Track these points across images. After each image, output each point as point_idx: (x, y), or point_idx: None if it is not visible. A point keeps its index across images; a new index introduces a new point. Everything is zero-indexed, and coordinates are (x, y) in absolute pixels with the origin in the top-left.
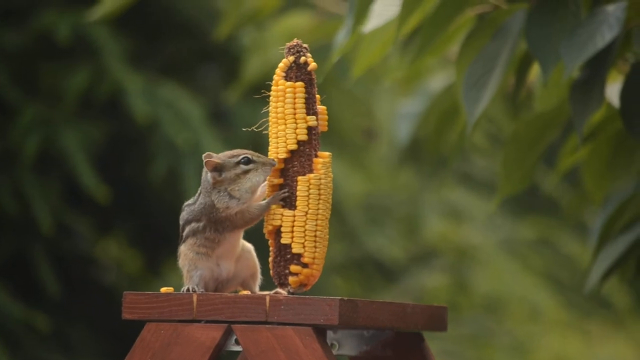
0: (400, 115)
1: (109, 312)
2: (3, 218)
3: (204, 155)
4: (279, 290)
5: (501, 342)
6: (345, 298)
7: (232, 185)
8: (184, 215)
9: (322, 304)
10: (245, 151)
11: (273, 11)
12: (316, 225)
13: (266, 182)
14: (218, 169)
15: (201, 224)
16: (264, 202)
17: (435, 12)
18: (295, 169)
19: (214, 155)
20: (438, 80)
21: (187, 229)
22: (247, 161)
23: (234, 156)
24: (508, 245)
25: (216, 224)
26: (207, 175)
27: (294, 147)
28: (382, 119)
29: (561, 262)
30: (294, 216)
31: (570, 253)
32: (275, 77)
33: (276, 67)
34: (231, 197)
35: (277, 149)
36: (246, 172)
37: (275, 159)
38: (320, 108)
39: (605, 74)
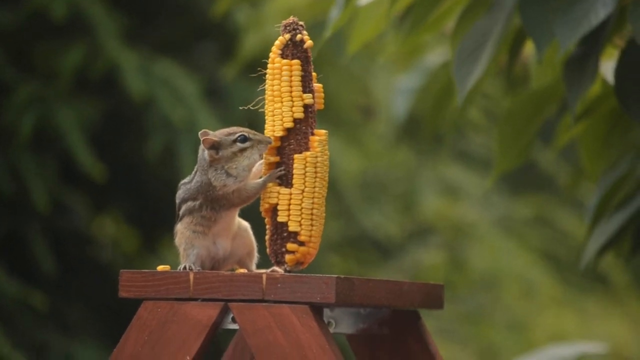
0: (397, 90)
1: (105, 291)
2: None
3: (200, 133)
4: (275, 268)
5: (497, 319)
6: (342, 276)
7: (229, 164)
8: (180, 194)
9: (319, 282)
10: (242, 129)
11: None
12: (312, 203)
13: (262, 160)
14: (215, 146)
15: (197, 202)
16: (260, 180)
17: None
18: (291, 146)
19: (211, 132)
20: (436, 56)
21: (183, 208)
22: (244, 139)
23: (230, 134)
24: (504, 222)
25: (213, 202)
26: (203, 153)
27: (290, 125)
28: (379, 95)
29: (557, 240)
30: (291, 194)
31: (567, 230)
32: (271, 55)
33: (273, 44)
34: (228, 175)
35: (274, 127)
36: (243, 150)
37: (272, 137)
38: (317, 86)
39: (599, 51)
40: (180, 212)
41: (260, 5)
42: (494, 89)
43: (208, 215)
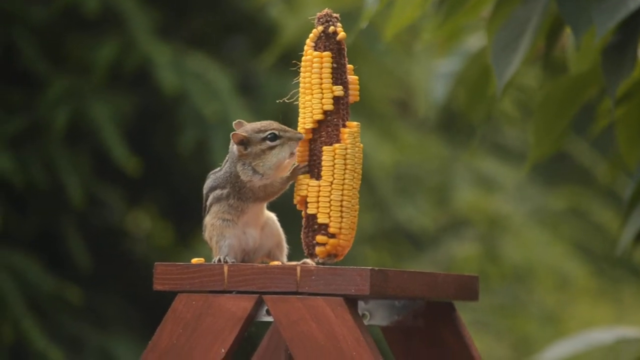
0: (437, 74)
1: (140, 284)
2: (33, 191)
3: (234, 123)
4: (306, 260)
5: (532, 311)
6: (376, 268)
7: (257, 161)
8: (208, 183)
9: (353, 274)
10: (273, 125)
11: None
12: (342, 195)
13: (295, 154)
14: (244, 142)
15: (225, 191)
16: (285, 176)
17: None
18: (322, 139)
19: (243, 123)
20: (476, 39)
21: (210, 197)
22: (274, 137)
23: (260, 131)
24: (539, 214)
25: (240, 193)
26: (233, 146)
27: (320, 117)
28: (418, 80)
29: (592, 232)
30: (319, 186)
31: (602, 222)
32: (305, 47)
33: (311, 30)
34: (255, 171)
35: (304, 119)
36: (272, 147)
37: (302, 130)
38: (352, 78)
39: (637, 37)
40: (208, 202)
41: None
42: (529, 80)
43: (235, 204)
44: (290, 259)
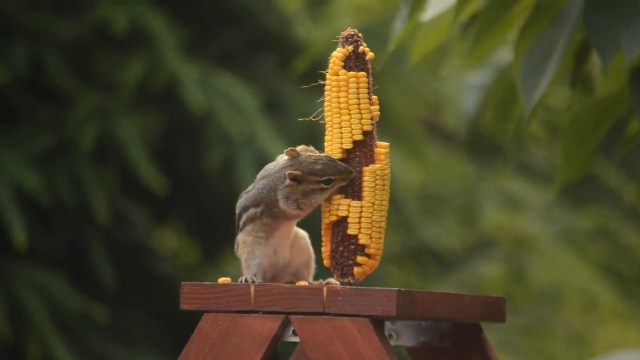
0: (467, 87)
1: (166, 303)
2: (60, 208)
3: (286, 151)
4: (330, 280)
5: (559, 332)
6: (403, 289)
7: (304, 199)
8: (241, 203)
9: (380, 295)
10: (329, 168)
11: None
12: (382, 216)
13: None
14: (298, 180)
15: (259, 210)
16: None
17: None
18: (358, 159)
19: (296, 151)
20: (506, 53)
21: (244, 217)
22: (328, 182)
23: (317, 174)
24: (566, 235)
25: (272, 212)
26: (281, 172)
27: (359, 137)
28: (448, 93)
29: (620, 253)
30: (362, 207)
31: (630, 244)
32: (333, 66)
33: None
34: (298, 206)
35: (342, 140)
36: (323, 190)
37: (340, 151)
38: (373, 97)
39: None
40: (241, 222)
41: (324, 5)
42: (556, 100)
43: (269, 223)
44: (315, 278)
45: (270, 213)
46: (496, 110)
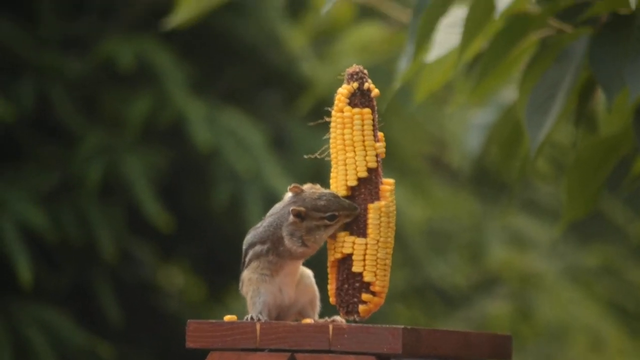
0: (471, 125)
1: (172, 341)
2: (65, 246)
3: (290, 187)
4: (336, 318)
5: None
6: (409, 327)
7: (309, 236)
8: (248, 239)
9: (385, 333)
10: (332, 204)
11: (347, 22)
12: (386, 253)
13: None
14: (302, 216)
15: (265, 247)
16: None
17: (497, 38)
18: (362, 196)
19: (299, 188)
20: (510, 92)
21: (250, 253)
22: (332, 218)
23: (320, 210)
24: (572, 272)
25: (278, 250)
26: (286, 211)
27: (364, 174)
28: (453, 132)
29: (626, 290)
30: (366, 244)
31: (636, 281)
32: (338, 103)
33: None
34: (303, 243)
35: (347, 177)
36: (327, 226)
37: (344, 188)
38: (379, 134)
39: None
40: (247, 258)
41: (328, 43)
42: (561, 137)
43: (274, 260)
44: (320, 316)
45: (276, 251)
46: (501, 148)
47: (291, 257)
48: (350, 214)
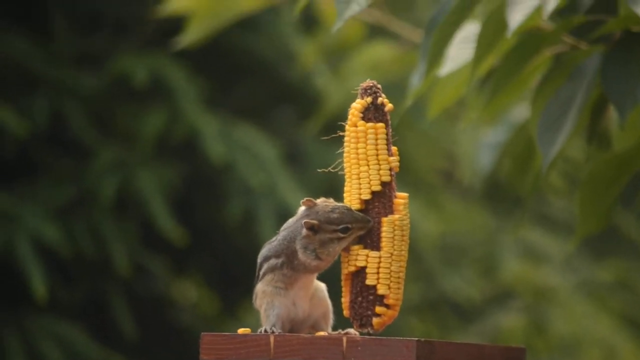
0: (483, 144)
1: (186, 354)
2: (80, 260)
3: (303, 201)
4: (349, 330)
5: None
6: (422, 339)
7: (322, 249)
8: (263, 252)
9: (399, 345)
10: (345, 216)
11: (357, 41)
12: (400, 267)
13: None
14: (315, 229)
15: (280, 261)
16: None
17: (510, 54)
18: (376, 210)
19: (312, 202)
20: (522, 110)
21: (265, 266)
22: (345, 230)
23: (333, 222)
24: (586, 287)
25: (293, 264)
26: (299, 223)
27: (377, 188)
28: (464, 150)
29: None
30: (380, 257)
31: None
32: (352, 117)
33: (356, 99)
34: (317, 257)
35: (360, 191)
36: (340, 239)
37: (358, 201)
38: (392, 148)
39: None
40: (262, 271)
41: (341, 60)
42: (574, 151)
43: (289, 274)
44: (334, 329)
45: (290, 264)
46: (514, 163)
47: (305, 271)
48: (363, 226)
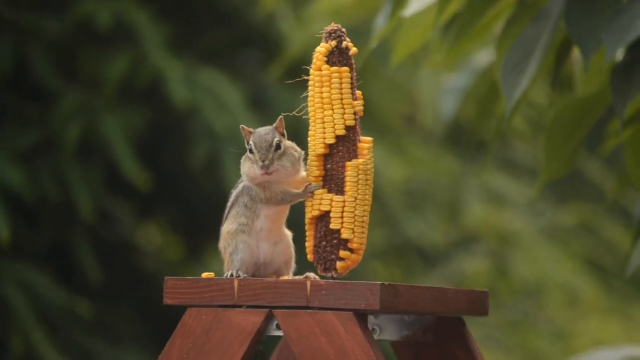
0: (445, 90)
1: (150, 298)
2: (44, 205)
3: (241, 126)
4: (309, 274)
5: (542, 327)
6: (387, 283)
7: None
8: (231, 192)
9: (363, 289)
10: (265, 133)
11: None
12: (364, 210)
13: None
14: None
15: (241, 193)
16: (294, 190)
17: None
18: (340, 154)
19: (245, 129)
20: (485, 55)
21: (232, 197)
22: (250, 151)
23: (249, 140)
24: (549, 230)
25: (250, 192)
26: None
27: (342, 132)
28: (426, 95)
29: (603, 248)
30: (344, 201)
31: (612, 239)
32: (316, 61)
33: (317, 45)
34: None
35: (325, 135)
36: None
37: (322, 145)
38: (357, 92)
39: None
40: (229, 203)
41: (304, 5)
42: (539, 96)
43: (249, 204)
44: (297, 273)
45: (249, 193)
46: (478, 107)
47: (259, 199)
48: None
